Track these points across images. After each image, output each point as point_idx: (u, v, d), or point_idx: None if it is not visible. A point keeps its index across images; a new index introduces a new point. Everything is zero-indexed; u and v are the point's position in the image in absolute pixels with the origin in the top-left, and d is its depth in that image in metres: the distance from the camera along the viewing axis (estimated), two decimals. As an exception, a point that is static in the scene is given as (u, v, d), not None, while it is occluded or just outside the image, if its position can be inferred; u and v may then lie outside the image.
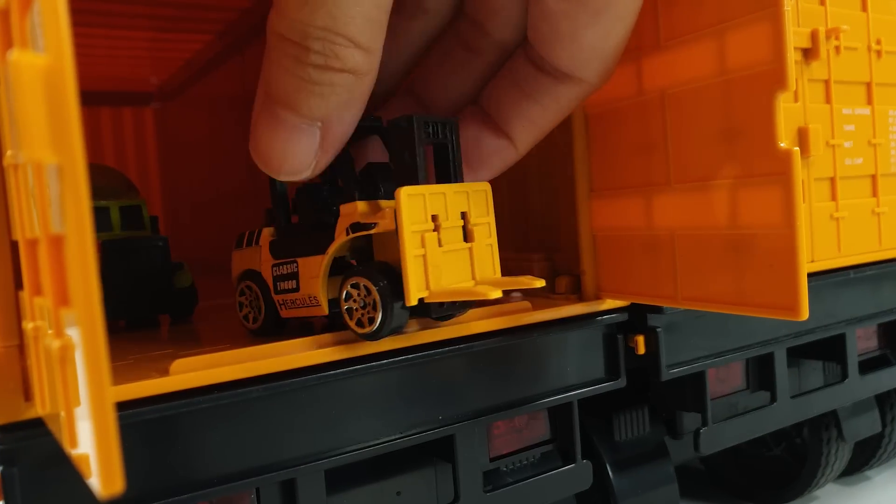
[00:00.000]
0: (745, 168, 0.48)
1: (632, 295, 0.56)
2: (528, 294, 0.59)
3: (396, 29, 0.46)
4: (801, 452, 0.78)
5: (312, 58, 0.39)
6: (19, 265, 0.35)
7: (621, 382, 0.59)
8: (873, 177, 0.70)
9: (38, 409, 0.36)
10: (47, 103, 0.23)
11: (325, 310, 0.49)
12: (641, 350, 0.60)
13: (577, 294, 0.59)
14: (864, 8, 0.69)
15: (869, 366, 0.76)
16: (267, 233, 0.53)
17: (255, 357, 0.45)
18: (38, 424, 0.38)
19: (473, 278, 0.46)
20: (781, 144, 0.45)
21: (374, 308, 0.44)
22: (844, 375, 0.73)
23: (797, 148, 0.44)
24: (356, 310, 0.46)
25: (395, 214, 0.43)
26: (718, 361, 0.64)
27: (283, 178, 0.44)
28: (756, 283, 0.47)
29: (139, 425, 0.41)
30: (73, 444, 0.29)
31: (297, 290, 0.50)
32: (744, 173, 0.48)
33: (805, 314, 0.44)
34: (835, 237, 0.67)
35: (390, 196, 0.45)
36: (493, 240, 0.48)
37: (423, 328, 0.50)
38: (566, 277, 0.60)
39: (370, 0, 0.39)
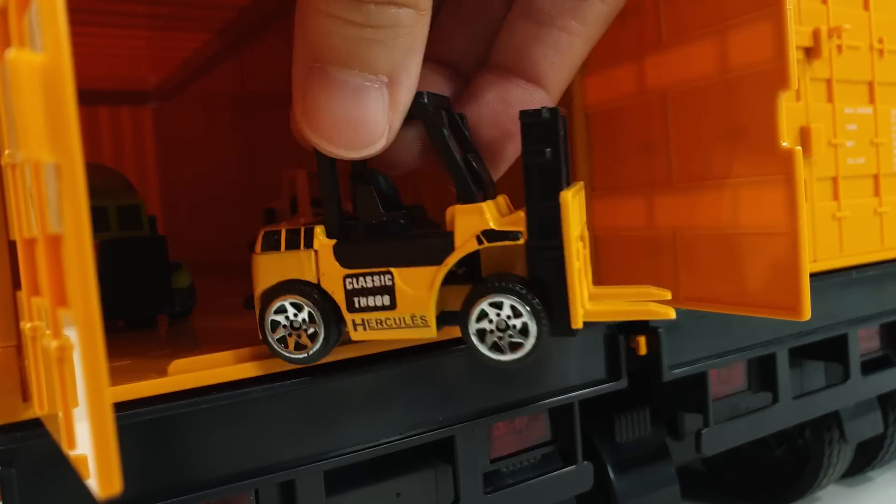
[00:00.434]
0: (747, 167, 0.48)
1: (633, 295, 0.56)
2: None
3: None
4: (803, 453, 0.78)
5: None
6: (17, 265, 0.35)
7: (622, 383, 0.59)
8: (875, 176, 0.70)
9: (37, 410, 0.35)
10: (45, 102, 0.23)
11: (435, 331, 0.42)
12: (643, 351, 0.60)
13: (578, 294, 0.59)
14: (866, 7, 0.69)
15: (871, 366, 0.76)
16: (321, 233, 0.43)
17: (254, 357, 0.45)
18: (36, 425, 0.38)
19: (588, 289, 0.42)
20: (783, 144, 0.45)
21: (524, 332, 0.39)
22: (847, 376, 0.73)
23: (799, 147, 0.44)
24: (490, 332, 0.40)
25: (537, 223, 0.39)
26: (720, 362, 0.63)
27: (354, 154, 0.38)
28: (758, 283, 0.47)
29: (137, 426, 0.41)
30: (72, 444, 0.29)
31: (391, 307, 0.42)
32: (746, 173, 0.48)
33: (807, 314, 0.44)
34: (837, 237, 0.67)
35: (490, 197, 0.41)
36: (587, 242, 0.44)
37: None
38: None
39: None
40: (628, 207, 0.56)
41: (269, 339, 0.43)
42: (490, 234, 0.40)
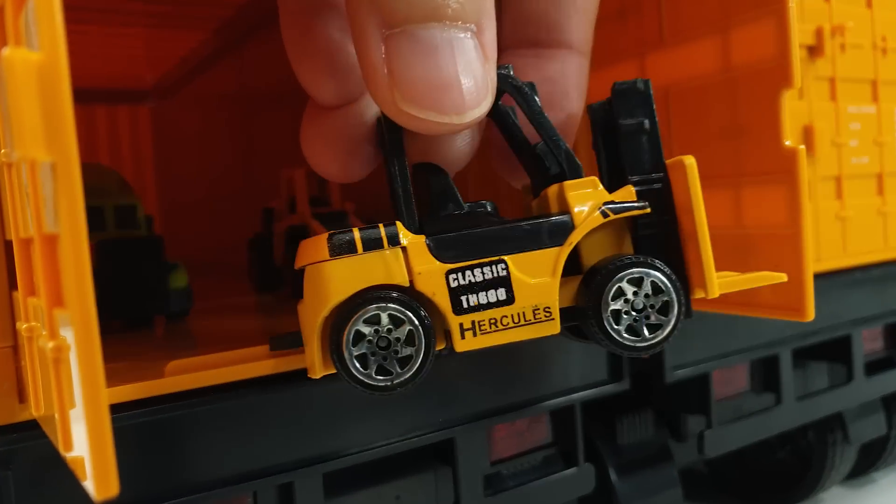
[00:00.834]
0: (750, 167, 0.48)
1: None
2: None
3: None
4: (807, 455, 0.78)
5: None
6: (14, 265, 0.34)
7: (624, 384, 0.59)
8: (879, 175, 0.69)
9: (33, 411, 0.35)
10: (41, 101, 0.23)
11: (559, 325, 0.37)
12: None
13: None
14: (869, 5, 0.69)
15: (875, 367, 0.76)
16: (404, 228, 0.37)
17: (252, 358, 0.45)
18: (32, 426, 0.38)
19: None
20: (787, 143, 0.45)
21: (663, 311, 0.37)
22: (850, 377, 0.72)
23: (802, 146, 0.44)
24: (625, 313, 0.37)
25: (652, 194, 0.38)
26: (723, 363, 0.63)
27: (466, 118, 0.34)
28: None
29: (135, 427, 0.40)
30: (68, 446, 0.29)
31: (509, 301, 0.37)
32: (748, 172, 0.48)
33: (811, 315, 0.44)
34: (840, 237, 0.66)
35: (564, 178, 0.39)
36: None
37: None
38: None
39: None
40: (630, 207, 0.56)
41: (345, 356, 0.35)
42: (616, 207, 0.37)
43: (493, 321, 0.37)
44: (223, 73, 1.30)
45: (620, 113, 0.39)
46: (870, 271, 0.70)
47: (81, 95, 1.58)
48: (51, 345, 0.27)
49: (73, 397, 0.27)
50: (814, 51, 0.65)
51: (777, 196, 0.46)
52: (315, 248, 0.37)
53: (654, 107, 0.39)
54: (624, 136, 0.39)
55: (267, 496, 0.45)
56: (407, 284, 0.36)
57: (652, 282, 0.36)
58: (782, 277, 0.39)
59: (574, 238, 0.37)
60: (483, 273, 0.37)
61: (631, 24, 0.54)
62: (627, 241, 0.39)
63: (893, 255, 0.71)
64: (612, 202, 0.37)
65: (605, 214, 0.37)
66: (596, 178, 0.38)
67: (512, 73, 0.39)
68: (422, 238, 0.37)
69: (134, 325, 0.66)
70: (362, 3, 0.33)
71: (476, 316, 0.37)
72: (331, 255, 0.36)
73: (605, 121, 0.40)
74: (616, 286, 0.36)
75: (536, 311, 0.37)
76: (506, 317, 0.37)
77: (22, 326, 0.34)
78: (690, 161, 0.37)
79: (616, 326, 0.37)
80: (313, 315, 0.36)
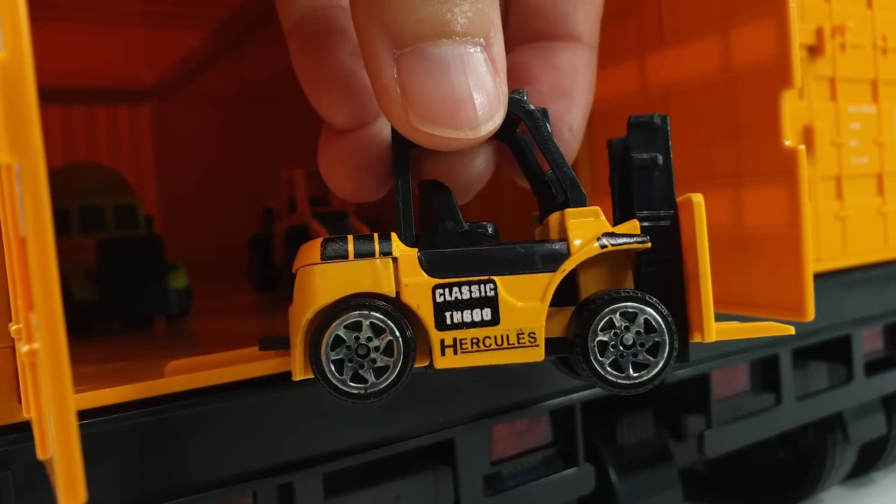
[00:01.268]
0: (750, 166, 0.48)
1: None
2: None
3: None
4: (807, 455, 0.78)
5: None
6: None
7: (624, 384, 0.58)
8: (879, 175, 0.69)
9: (24, 413, 0.35)
10: (4, 101, 0.22)
11: (543, 353, 0.36)
12: (645, 351, 0.59)
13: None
14: (870, 5, 0.69)
15: (875, 367, 0.75)
16: (398, 240, 0.37)
17: (252, 359, 0.45)
18: (31, 427, 0.38)
19: None
20: (787, 143, 0.45)
21: (653, 351, 0.35)
22: (850, 377, 0.72)
23: (803, 146, 0.44)
24: (612, 346, 0.35)
25: (657, 231, 0.37)
26: (723, 363, 0.63)
27: (480, 133, 0.34)
28: (761, 283, 0.47)
29: (135, 427, 0.40)
30: (44, 451, 0.28)
31: (493, 322, 0.36)
32: (748, 172, 0.48)
33: (811, 315, 0.44)
34: (840, 237, 0.66)
35: (575, 205, 0.38)
36: None
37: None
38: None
39: None
40: (630, 207, 0.55)
41: (322, 359, 0.35)
42: (614, 238, 0.36)
43: (475, 340, 0.36)
44: (223, 72, 1.30)
45: (634, 146, 0.38)
46: (870, 271, 0.70)
47: (81, 95, 1.59)
48: (26, 349, 0.26)
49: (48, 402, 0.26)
50: (814, 51, 0.65)
51: (777, 196, 0.46)
52: (310, 251, 0.37)
53: (671, 143, 0.38)
54: (636, 170, 0.38)
55: (267, 496, 0.45)
56: (393, 295, 0.36)
57: (645, 319, 0.35)
58: (790, 330, 0.37)
59: (568, 265, 0.36)
60: (470, 291, 0.36)
61: (631, 24, 0.54)
62: (629, 276, 0.38)
63: (893, 255, 0.70)
64: (613, 234, 0.36)
65: (603, 245, 0.36)
66: (598, 209, 0.37)
67: (525, 98, 0.38)
68: (414, 251, 0.37)
69: (134, 325, 0.66)
70: (372, 25, 0.34)
71: (458, 333, 0.36)
72: (322, 259, 0.37)
73: (623, 156, 0.40)
74: (607, 317, 0.35)
75: (521, 336, 0.36)
76: (489, 338, 0.36)
77: (12, 328, 0.34)
78: (698, 199, 0.36)
79: (600, 358, 0.35)
80: (299, 317, 0.36)
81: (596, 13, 0.45)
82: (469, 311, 0.36)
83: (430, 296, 0.36)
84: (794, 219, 0.44)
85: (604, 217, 0.37)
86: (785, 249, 0.45)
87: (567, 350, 0.37)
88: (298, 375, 0.37)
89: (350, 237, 0.37)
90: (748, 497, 0.82)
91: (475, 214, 0.55)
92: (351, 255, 0.36)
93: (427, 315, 0.36)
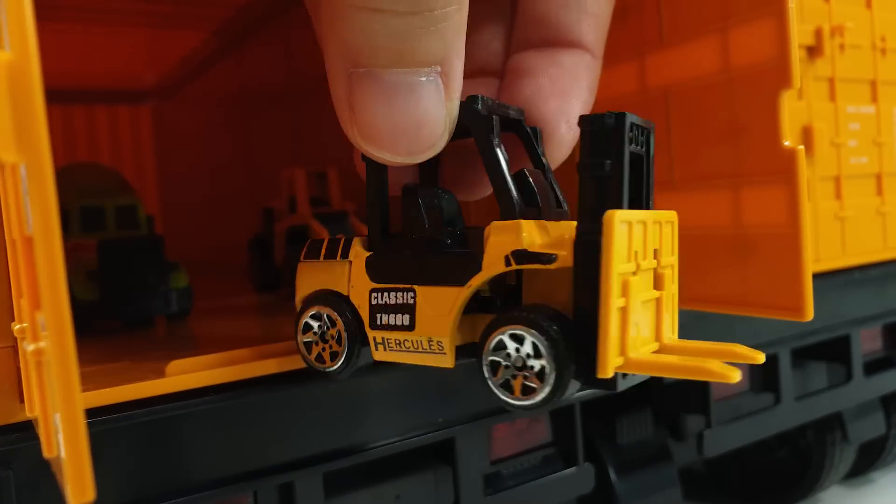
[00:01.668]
0: (749, 167, 0.48)
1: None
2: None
3: None
4: (806, 455, 0.78)
5: None
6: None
7: (624, 384, 0.58)
8: (878, 176, 0.69)
9: (27, 412, 0.35)
10: (11, 101, 0.22)
11: (452, 361, 0.37)
12: (644, 351, 0.59)
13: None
14: (869, 5, 0.69)
15: (874, 367, 0.76)
16: (359, 244, 0.41)
17: (253, 358, 0.45)
18: (33, 426, 0.38)
19: (658, 339, 0.35)
20: (786, 143, 0.45)
21: (540, 377, 0.33)
22: (849, 377, 0.72)
23: (802, 146, 0.44)
24: (505, 366, 0.34)
25: (581, 247, 0.33)
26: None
27: (417, 158, 0.35)
28: (760, 283, 0.47)
29: (135, 427, 0.40)
30: (51, 450, 0.29)
31: (409, 328, 0.38)
32: (748, 172, 0.48)
33: (810, 315, 0.44)
34: (839, 237, 0.66)
35: (552, 218, 0.36)
36: (676, 287, 0.36)
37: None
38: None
39: None
40: (630, 207, 0.56)
41: (298, 340, 0.42)
42: (520, 256, 0.34)
43: (397, 342, 0.39)
44: (223, 73, 1.30)
45: (583, 149, 0.34)
46: (869, 271, 0.70)
47: (82, 95, 1.59)
48: (31, 347, 0.26)
49: (55, 400, 0.26)
50: (813, 51, 0.65)
51: (776, 196, 0.46)
52: (304, 249, 0.43)
53: (626, 148, 0.33)
54: (580, 178, 0.34)
55: (267, 496, 0.45)
56: (347, 294, 0.41)
57: (533, 343, 0.33)
58: (732, 377, 0.30)
59: (475, 282, 0.36)
60: (396, 297, 0.39)
61: (631, 25, 0.54)
62: (567, 292, 0.34)
63: (892, 255, 0.70)
64: (523, 252, 0.34)
65: (507, 262, 0.34)
66: (522, 223, 0.35)
67: (480, 105, 0.37)
68: (365, 255, 0.40)
69: (134, 325, 0.66)
70: (332, 39, 0.34)
71: (385, 333, 0.39)
72: (304, 258, 0.43)
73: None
74: (498, 338, 0.34)
75: (431, 343, 0.37)
76: (407, 341, 0.38)
77: (15, 328, 0.34)
78: (608, 218, 0.31)
79: (494, 377, 0.34)
80: (296, 303, 0.43)
81: (601, 25, 0.45)
82: (393, 315, 0.39)
83: (368, 298, 0.40)
84: (794, 219, 0.44)
85: (528, 233, 0.34)
86: (784, 249, 0.45)
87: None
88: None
89: (326, 240, 0.42)
90: (747, 496, 0.82)
91: (475, 216, 0.55)
92: (321, 256, 0.42)
93: (365, 314, 0.40)
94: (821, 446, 0.76)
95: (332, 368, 0.41)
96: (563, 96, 0.43)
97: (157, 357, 0.47)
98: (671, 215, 0.36)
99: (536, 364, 0.33)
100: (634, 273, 0.32)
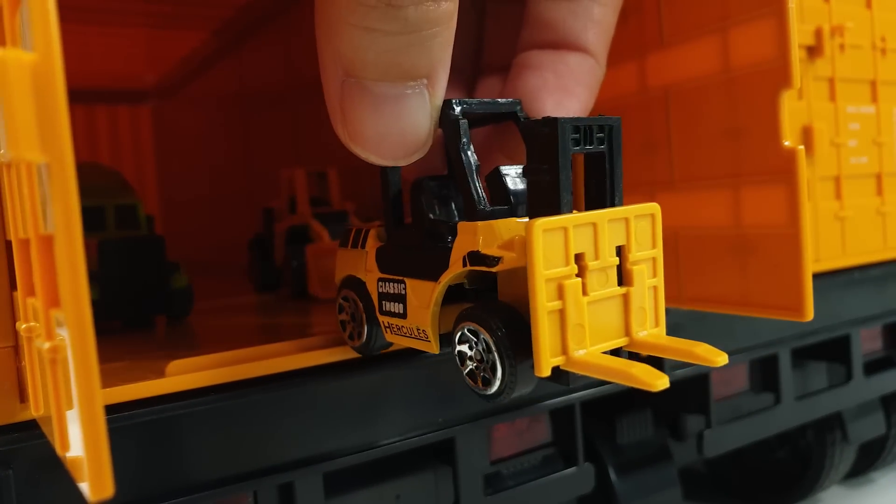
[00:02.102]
0: (750, 167, 0.48)
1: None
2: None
3: None
4: (806, 454, 0.78)
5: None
6: (14, 265, 0.34)
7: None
8: (878, 176, 0.69)
9: (32, 412, 0.35)
10: (35, 101, 0.23)
11: (436, 348, 0.40)
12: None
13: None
14: (869, 5, 0.69)
15: (874, 367, 0.76)
16: (374, 235, 0.44)
17: (253, 358, 0.45)
18: (33, 426, 0.38)
19: (628, 335, 0.36)
20: (786, 143, 0.45)
21: (492, 369, 0.35)
22: (849, 377, 0.72)
23: (802, 146, 0.44)
24: (471, 358, 0.36)
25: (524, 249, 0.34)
26: (722, 363, 0.63)
27: (402, 161, 0.38)
28: (760, 283, 0.47)
29: (135, 427, 0.40)
30: (65, 447, 0.29)
31: (403, 316, 0.41)
32: (748, 172, 0.48)
33: (810, 315, 0.44)
34: (839, 237, 0.66)
35: (471, 218, 0.37)
36: (659, 281, 0.37)
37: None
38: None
39: None
40: (629, 207, 0.56)
41: (338, 317, 0.47)
42: (473, 257, 0.35)
43: (397, 327, 0.42)
44: (223, 73, 1.30)
45: (528, 155, 0.35)
46: (869, 271, 0.70)
47: (82, 95, 1.59)
48: (47, 345, 0.27)
49: (70, 398, 0.27)
50: (813, 51, 0.65)
51: (776, 196, 0.46)
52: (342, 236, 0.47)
53: (564, 155, 0.34)
54: (527, 182, 0.35)
55: (267, 496, 0.45)
56: (364, 280, 0.44)
57: (484, 339, 0.35)
58: (654, 385, 0.32)
59: (443, 278, 0.38)
60: (394, 287, 0.41)
61: (631, 25, 0.54)
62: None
63: (892, 255, 0.70)
64: (476, 252, 0.35)
65: (464, 263, 0.36)
66: (478, 225, 0.36)
67: (457, 109, 0.38)
68: (376, 246, 0.43)
69: (134, 325, 0.66)
70: (327, 47, 0.36)
71: (389, 319, 0.42)
72: (340, 245, 0.47)
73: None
74: (460, 332, 0.36)
75: (418, 331, 0.40)
76: (403, 327, 0.41)
77: (21, 327, 0.34)
78: (529, 226, 0.32)
79: (462, 367, 0.37)
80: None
81: (606, 33, 0.46)
82: (393, 304, 0.42)
83: (376, 285, 0.43)
84: (794, 219, 0.44)
85: (483, 235, 0.36)
86: (784, 249, 0.45)
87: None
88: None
89: (354, 230, 0.46)
90: (747, 496, 0.82)
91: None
92: (349, 245, 0.46)
93: (376, 301, 0.43)
94: (821, 446, 0.76)
95: (357, 346, 0.45)
96: (565, 92, 0.44)
97: (157, 357, 0.47)
98: (648, 208, 0.36)
99: (491, 358, 0.35)
100: (578, 275, 0.33)
